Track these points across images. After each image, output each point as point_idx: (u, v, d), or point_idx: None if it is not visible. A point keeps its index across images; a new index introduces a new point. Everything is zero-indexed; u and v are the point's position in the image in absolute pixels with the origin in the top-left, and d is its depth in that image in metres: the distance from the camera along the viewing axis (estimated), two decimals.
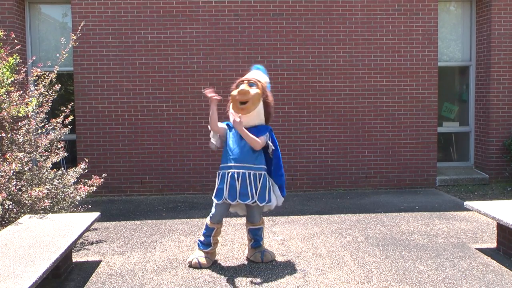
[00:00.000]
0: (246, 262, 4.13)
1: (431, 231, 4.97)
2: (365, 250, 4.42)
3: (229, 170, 3.88)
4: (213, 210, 4.00)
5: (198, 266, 3.99)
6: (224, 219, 5.34)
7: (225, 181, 3.87)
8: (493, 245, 4.49)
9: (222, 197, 3.88)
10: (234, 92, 3.91)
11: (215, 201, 3.95)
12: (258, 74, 4.10)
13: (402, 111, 7.18)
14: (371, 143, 7.18)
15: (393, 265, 4.02)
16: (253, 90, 3.87)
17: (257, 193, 3.86)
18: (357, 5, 7.02)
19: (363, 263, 4.09)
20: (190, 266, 4.02)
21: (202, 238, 4.07)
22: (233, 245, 4.59)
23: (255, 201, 3.86)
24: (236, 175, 3.85)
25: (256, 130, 3.94)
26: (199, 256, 4.03)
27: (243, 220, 5.33)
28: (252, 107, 3.87)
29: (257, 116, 3.94)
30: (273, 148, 3.97)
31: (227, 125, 4.08)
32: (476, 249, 4.40)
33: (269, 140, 3.96)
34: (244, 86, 3.87)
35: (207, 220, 4.04)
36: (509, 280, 3.69)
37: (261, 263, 4.07)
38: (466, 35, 7.73)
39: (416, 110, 7.19)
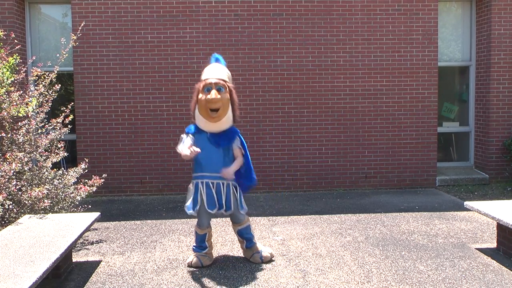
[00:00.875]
0: (246, 262, 4.13)
1: (431, 231, 4.97)
2: (365, 250, 4.42)
3: (202, 180, 3.90)
4: (198, 217, 4.01)
5: (200, 264, 3.99)
6: (224, 219, 5.35)
7: (199, 190, 3.89)
8: (493, 245, 4.49)
9: (197, 206, 3.88)
10: (204, 98, 3.77)
11: (191, 212, 3.93)
12: (221, 71, 3.93)
13: (402, 111, 7.18)
14: (371, 143, 7.18)
15: (393, 265, 4.02)
16: (224, 96, 3.78)
17: (231, 202, 3.92)
18: (357, 5, 7.02)
19: (363, 263, 4.09)
20: (191, 266, 4.02)
21: (196, 244, 4.09)
22: (233, 245, 4.59)
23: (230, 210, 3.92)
24: (211, 184, 3.88)
25: (225, 137, 3.90)
26: (199, 255, 4.04)
27: None
28: (223, 114, 3.81)
29: (227, 120, 3.89)
30: (241, 149, 3.95)
31: (188, 133, 3.97)
32: (476, 249, 4.40)
33: (238, 144, 3.94)
34: (215, 93, 3.75)
35: (195, 228, 4.05)
36: (509, 280, 3.69)
37: (262, 263, 4.07)
38: (466, 35, 7.74)
39: (416, 110, 7.20)
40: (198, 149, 3.75)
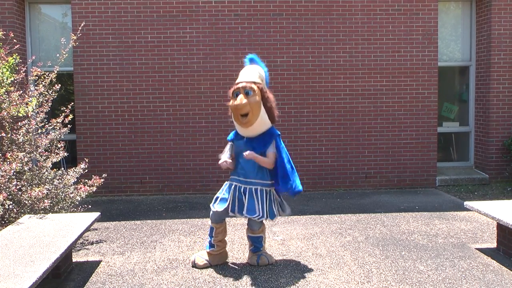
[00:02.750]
0: (246, 262, 4.12)
1: (431, 231, 4.97)
2: (365, 250, 4.42)
3: (234, 183, 3.88)
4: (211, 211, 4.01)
5: (208, 264, 3.99)
6: (226, 219, 5.34)
7: (229, 191, 3.87)
8: (493, 245, 4.49)
9: (217, 205, 3.88)
10: (232, 104, 3.77)
11: (212, 207, 3.94)
12: (253, 72, 3.90)
13: (402, 111, 7.18)
14: (371, 143, 7.18)
15: (393, 265, 4.02)
16: (252, 99, 3.72)
17: (255, 206, 3.81)
18: (357, 5, 7.02)
19: (363, 263, 4.09)
20: (195, 266, 3.99)
21: (208, 238, 4.09)
22: (233, 245, 4.59)
23: (243, 214, 3.83)
24: (240, 189, 3.85)
25: (261, 141, 3.83)
26: (200, 254, 4.04)
27: (243, 220, 5.33)
28: (254, 118, 3.75)
29: (261, 123, 3.81)
30: (275, 153, 3.85)
31: (231, 141, 4.01)
32: (476, 249, 4.40)
33: (273, 148, 3.84)
34: (241, 98, 3.71)
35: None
36: (509, 280, 3.69)
37: (257, 265, 4.03)
38: (466, 35, 7.74)
39: (416, 110, 7.20)
40: (230, 161, 3.82)
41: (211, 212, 3.98)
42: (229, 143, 4.02)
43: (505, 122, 7.29)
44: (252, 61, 4.05)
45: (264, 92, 3.84)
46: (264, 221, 4.04)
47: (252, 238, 4.04)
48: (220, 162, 3.86)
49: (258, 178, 3.86)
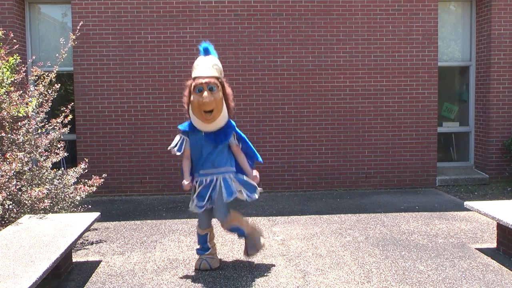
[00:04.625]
0: (246, 262, 4.13)
1: (431, 231, 4.97)
2: (365, 250, 4.42)
3: (202, 178, 3.86)
4: (198, 217, 3.99)
5: (208, 267, 3.94)
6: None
7: (197, 188, 3.88)
8: (493, 245, 4.49)
9: (194, 204, 3.88)
10: (196, 100, 3.68)
11: (190, 209, 3.93)
12: (212, 65, 3.78)
13: (402, 111, 7.18)
14: (371, 143, 7.18)
15: (393, 265, 4.02)
16: (216, 96, 3.68)
17: (222, 192, 3.82)
18: (357, 5, 7.02)
19: (363, 263, 4.09)
20: (199, 269, 3.95)
21: (199, 246, 4.04)
22: (233, 245, 4.59)
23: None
24: (205, 181, 3.84)
25: (222, 134, 3.83)
26: (206, 257, 3.97)
27: None
28: (218, 114, 3.73)
29: (223, 118, 3.81)
30: (238, 144, 3.92)
31: (184, 133, 3.91)
32: (476, 249, 4.40)
33: (235, 139, 3.92)
34: (206, 95, 3.64)
35: (197, 229, 4.02)
36: (509, 280, 3.69)
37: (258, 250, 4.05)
38: (466, 35, 7.74)
39: (416, 110, 7.20)
40: (188, 182, 3.83)
41: (198, 220, 3.99)
42: (181, 136, 3.90)
43: (505, 122, 7.29)
44: (206, 51, 3.90)
45: (225, 87, 3.82)
46: (236, 212, 3.97)
47: (231, 230, 3.97)
48: (185, 184, 3.82)
49: (228, 165, 3.87)
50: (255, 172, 3.97)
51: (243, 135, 3.99)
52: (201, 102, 3.64)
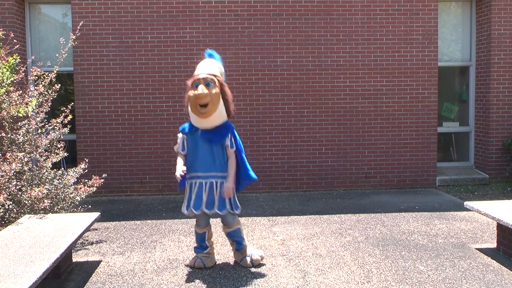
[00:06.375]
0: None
1: (431, 231, 4.97)
2: (365, 250, 4.42)
3: (196, 180, 3.86)
4: (196, 216, 3.98)
5: (202, 265, 3.96)
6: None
7: (192, 191, 3.87)
8: (493, 245, 4.49)
9: (190, 207, 3.86)
10: (192, 93, 3.74)
11: (185, 213, 3.91)
12: (212, 66, 3.88)
13: (402, 111, 7.18)
14: (371, 143, 7.18)
15: (393, 265, 4.02)
16: (212, 90, 3.72)
17: (226, 202, 3.85)
18: (357, 5, 7.02)
19: (363, 263, 4.09)
20: (193, 267, 3.98)
21: (197, 244, 4.06)
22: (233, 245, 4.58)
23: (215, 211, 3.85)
24: (204, 185, 3.83)
25: (217, 133, 3.84)
26: (201, 255, 4.01)
27: (243, 220, 5.33)
28: (213, 109, 3.74)
29: (219, 115, 3.81)
30: (232, 147, 3.88)
31: (184, 133, 3.95)
32: (476, 249, 4.40)
33: (231, 141, 3.87)
34: (201, 88, 3.70)
35: (195, 228, 4.03)
36: (509, 280, 3.69)
37: (252, 267, 4.00)
38: (466, 35, 7.74)
39: (416, 110, 7.20)
40: (181, 174, 3.80)
41: (196, 221, 3.98)
42: (182, 135, 3.96)
43: (505, 122, 7.29)
44: (211, 56, 4.04)
45: (223, 86, 3.85)
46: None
47: (230, 234, 3.99)
48: (177, 174, 3.81)
49: (220, 170, 3.86)
50: (231, 185, 3.84)
51: (240, 145, 3.96)
52: (196, 95, 3.70)
